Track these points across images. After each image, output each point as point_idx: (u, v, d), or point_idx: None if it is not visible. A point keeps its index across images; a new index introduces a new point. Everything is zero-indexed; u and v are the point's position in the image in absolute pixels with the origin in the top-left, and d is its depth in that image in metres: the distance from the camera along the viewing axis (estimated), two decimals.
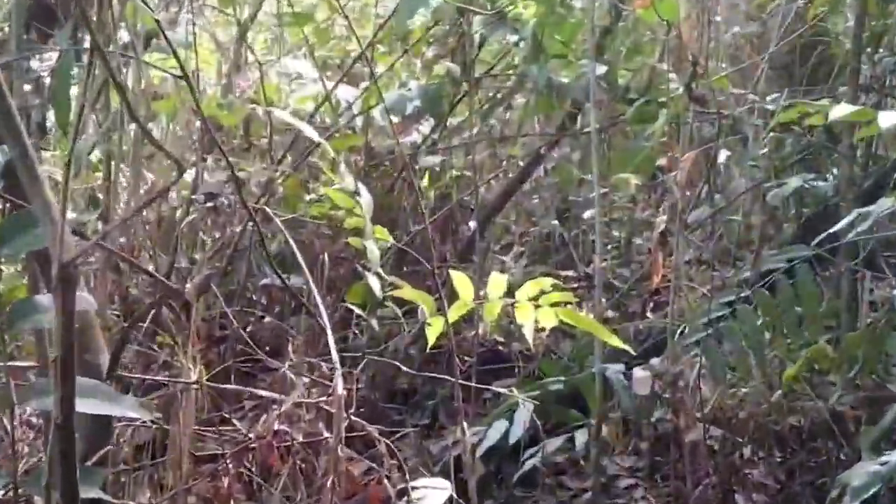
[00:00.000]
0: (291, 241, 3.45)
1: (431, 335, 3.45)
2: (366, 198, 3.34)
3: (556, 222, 6.43)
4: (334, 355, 2.94)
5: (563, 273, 6.07)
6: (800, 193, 4.93)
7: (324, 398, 3.28)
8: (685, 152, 3.99)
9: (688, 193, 4.39)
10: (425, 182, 5.75)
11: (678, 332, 4.10)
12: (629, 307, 5.66)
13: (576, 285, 5.96)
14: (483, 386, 4.21)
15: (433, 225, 5.78)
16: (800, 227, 4.99)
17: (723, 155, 4.67)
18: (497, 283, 3.46)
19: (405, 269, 5.51)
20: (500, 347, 5.26)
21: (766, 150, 4.77)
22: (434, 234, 5.82)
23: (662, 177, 6.27)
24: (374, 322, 3.98)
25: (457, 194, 5.87)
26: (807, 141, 4.87)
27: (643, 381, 4.11)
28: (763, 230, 4.84)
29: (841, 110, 3.24)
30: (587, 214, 6.12)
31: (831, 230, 3.66)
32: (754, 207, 5.25)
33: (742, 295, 3.92)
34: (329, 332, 3.05)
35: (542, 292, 3.50)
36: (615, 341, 3.55)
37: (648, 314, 5.48)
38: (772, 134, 4.61)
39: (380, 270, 3.41)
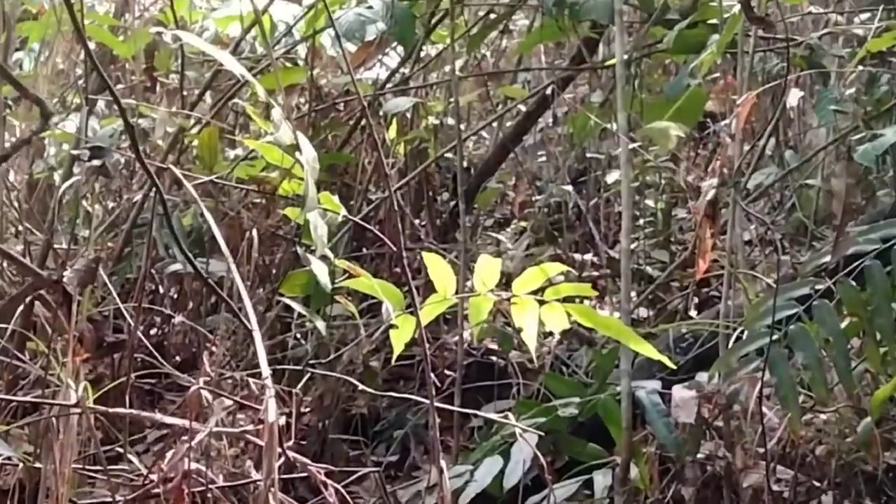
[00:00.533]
0: (208, 214, 3.43)
1: (399, 341, 3.45)
2: (309, 154, 3.32)
3: (569, 188, 6.42)
4: (265, 368, 2.92)
5: (579, 257, 6.08)
6: None
7: (252, 427, 3.27)
8: (743, 93, 3.99)
9: (747, 148, 4.39)
10: (392, 133, 5.74)
11: (734, 337, 4.10)
12: (667, 304, 5.67)
13: (596, 274, 5.96)
14: (469, 410, 4.21)
15: (402, 192, 5.80)
16: None
17: (794, 96, 4.67)
18: (488, 270, 3.46)
19: (364, 251, 5.52)
20: (493, 358, 5.27)
21: (853, 89, 4.76)
22: (404, 203, 5.83)
23: (713, 126, 6.29)
24: (320, 323, 3.96)
25: (435, 150, 5.86)
26: None
27: (686, 405, 4.12)
28: (849, 199, 4.83)
29: None
30: (611, 178, 6.13)
31: None
32: (837, 168, 5.25)
33: (820, 287, 3.91)
34: (258, 336, 3.04)
35: (550, 283, 3.50)
36: (648, 350, 3.56)
37: (693, 313, 5.49)
38: (861, 68, 4.60)
39: (328, 253, 3.40)
